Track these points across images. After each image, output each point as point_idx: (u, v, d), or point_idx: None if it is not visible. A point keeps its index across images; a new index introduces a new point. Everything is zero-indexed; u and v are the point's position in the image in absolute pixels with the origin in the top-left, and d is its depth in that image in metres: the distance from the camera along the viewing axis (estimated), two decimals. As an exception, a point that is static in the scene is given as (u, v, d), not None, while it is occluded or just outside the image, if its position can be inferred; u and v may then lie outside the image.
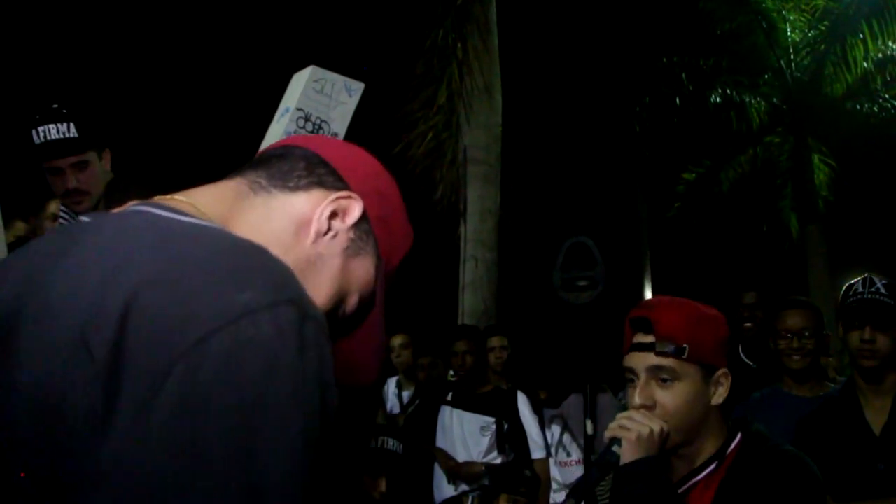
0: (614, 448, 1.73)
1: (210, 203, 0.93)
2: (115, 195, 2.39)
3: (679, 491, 1.76)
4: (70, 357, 0.71)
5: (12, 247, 3.28)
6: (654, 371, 1.74)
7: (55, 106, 2.77)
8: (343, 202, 0.99)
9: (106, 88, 10.14)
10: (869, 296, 2.63)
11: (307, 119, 3.85)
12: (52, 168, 2.77)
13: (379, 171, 1.06)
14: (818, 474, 1.72)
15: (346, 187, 1.00)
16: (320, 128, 3.90)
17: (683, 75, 11.96)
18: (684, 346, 1.72)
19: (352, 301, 1.01)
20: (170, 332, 0.71)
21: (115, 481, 0.68)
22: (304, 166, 1.00)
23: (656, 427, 1.70)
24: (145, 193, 2.48)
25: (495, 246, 7.88)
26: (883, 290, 2.63)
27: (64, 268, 0.79)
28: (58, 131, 2.72)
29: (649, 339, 1.76)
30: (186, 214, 0.89)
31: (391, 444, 3.56)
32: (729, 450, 1.78)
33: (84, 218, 0.93)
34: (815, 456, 2.57)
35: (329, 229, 0.98)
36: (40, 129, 2.72)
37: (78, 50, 10.61)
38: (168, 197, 0.94)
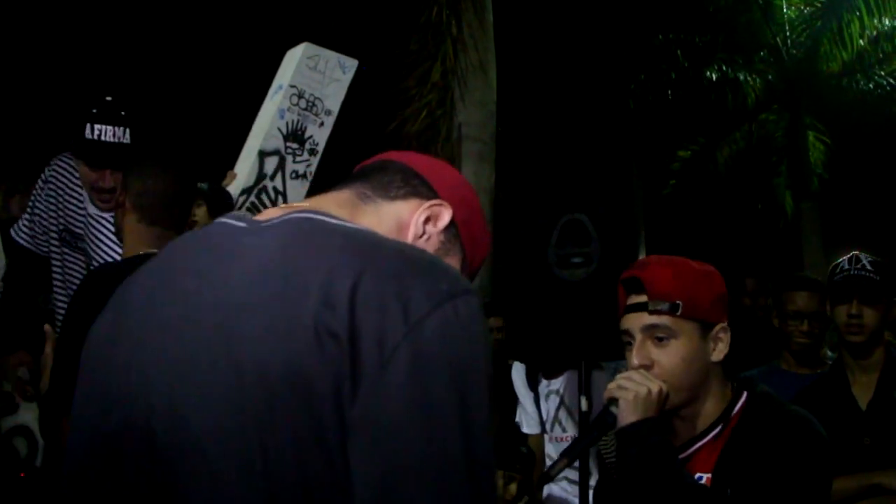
0: (612, 409, 1.71)
1: (339, 212, 1.08)
2: (131, 172, 2.39)
3: (683, 455, 1.74)
4: (315, 339, 0.89)
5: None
6: (649, 330, 1.72)
7: (109, 100, 2.77)
8: (435, 209, 1.15)
9: (101, 64, 10.08)
10: (855, 272, 2.65)
11: (301, 96, 3.85)
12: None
13: (462, 180, 1.24)
14: (824, 434, 1.70)
15: (436, 195, 1.16)
16: (314, 105, 3.90)
17: (679, 52, 11.93)
18: (678, 302, 1.70)
19: None
20: (392, 314, 0.90)
21: (366, 427, 0.87)
22: (400, 178, 1.16)
23: (654, 387, 1.68)
24: (162, 170, 2.49)
25: (490, 223, 7.89)
26: (869, 267, 2.65)
27: (263, 266, 0.96)
28: (114, 135, 2.73)
29: (642, 298, 1.74)
30: (342, 220, 1.05)
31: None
32: (734, 411, 1.75)
33: (234, 222, 1.05)
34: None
35: (424, 233, 1.14)
36: (96, 127, 2.72)
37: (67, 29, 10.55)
38: (307, 205, 1.09)
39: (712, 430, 1.75)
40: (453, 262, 1.17)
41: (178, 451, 0.92)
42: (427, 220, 1.15)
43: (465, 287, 0.96)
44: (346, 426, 0.88)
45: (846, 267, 2.68)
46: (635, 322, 1.75)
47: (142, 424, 0.95)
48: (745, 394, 1.78)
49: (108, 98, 2.77)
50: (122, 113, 2.75)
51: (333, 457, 0.88)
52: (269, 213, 1.08)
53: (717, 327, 1.75)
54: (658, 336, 1.72)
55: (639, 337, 1.74)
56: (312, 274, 0.93)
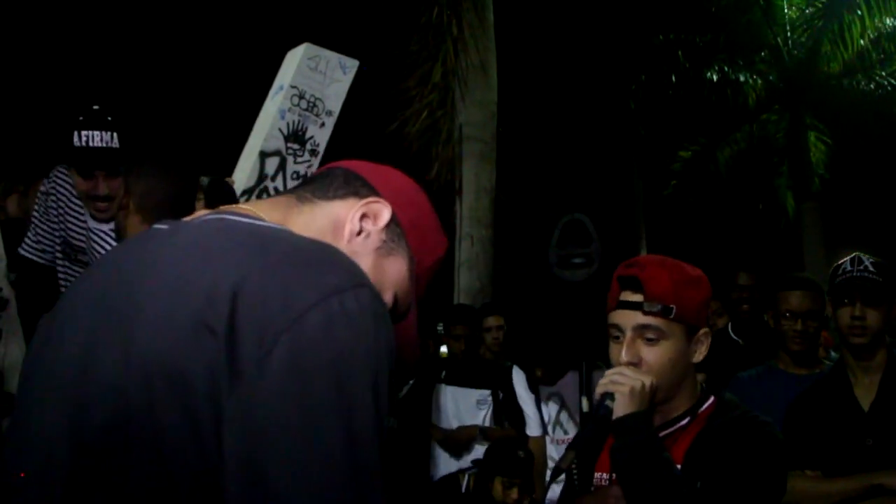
0: (607, 402, 1.76)
1: (269, 212, 1.10)
2: (130, 175, 2.39)
3: None
4: (193, 335, 0.90)
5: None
6: (641, 329, 1.79)
7: (95, 108, 2.77)
8: (373, 206, 1.14)
9: (102, 66, 10.08)
10: (858, 273, 2.64)
11: (301, 97, 3.85)
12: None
13: (410, 183, 1.24)
14: (781, 439, 1.81)
15: (376, 195, 1.16)
16: (315, 105, 3.90)
17: (680, 53, 11.91)
18: (672, 306, 1.76)
19: (387, 297, 1.15)
20: (274, 309, 0.90)
21: (240, 422, 0.87)
22: (342, 181, 1.17)
23: (647, 381, 1.75)
24: (163, 171, 2.48)
25: (491, 224, 7.87)
26: (871, 268, 2.63)
27: (167, 266, 0.98)
28: (101, 139, 2.72)
29: (637, 297, 1.79)
30: (259, 220, 1.06)
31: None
32: (701, 409, 1.84)
33: (160, 226, 1.08)
34: (806, 433, 2.61)
35: (361, 230, 1.13)
36: (83, 133, 2.71)
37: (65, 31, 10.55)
38: (235, 207, 1.11)
39: (679, 421, 1.83)
40: (397, 262, 1.16)
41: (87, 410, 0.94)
42: (364, 217, 1.14)
43: (358, 281, 0.95)
44: (220, 418, 0.87)
45: (848, 268, 2.67)
46: (628, 319, 1.80)
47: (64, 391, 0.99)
48: (712, 398, 1.86)
49: (95, 107, 2.77)
50: (109, 118, 2.75)
51: (206, 447, 0.88)
52: (196, 214, 1.11)
53: (701, 331, 1.83)
54: (648, 336, 1.79)
55: (629, 334, 1.80)
56: (203, 272, 0.94)
